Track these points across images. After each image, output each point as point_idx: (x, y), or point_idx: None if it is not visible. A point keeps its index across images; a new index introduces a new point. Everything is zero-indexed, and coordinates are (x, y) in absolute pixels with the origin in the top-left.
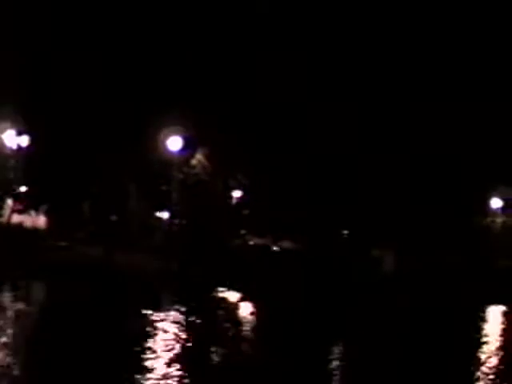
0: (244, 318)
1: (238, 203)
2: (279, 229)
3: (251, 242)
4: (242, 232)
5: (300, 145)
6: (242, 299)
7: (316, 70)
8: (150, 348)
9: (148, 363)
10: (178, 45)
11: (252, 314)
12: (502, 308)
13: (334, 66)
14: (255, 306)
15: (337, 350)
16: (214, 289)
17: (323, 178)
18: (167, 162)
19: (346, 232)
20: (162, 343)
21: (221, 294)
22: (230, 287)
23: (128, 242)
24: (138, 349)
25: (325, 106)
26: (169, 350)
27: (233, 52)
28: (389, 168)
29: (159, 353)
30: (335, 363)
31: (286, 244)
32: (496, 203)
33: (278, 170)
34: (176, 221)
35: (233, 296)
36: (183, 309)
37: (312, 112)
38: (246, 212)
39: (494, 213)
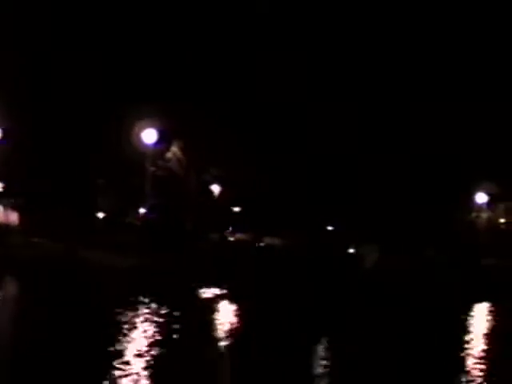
0: (218, 315)
1: (218, 198)
2: (263, 225)
3: (231, 238)
4: (229, 228)
5: (295, 143)
6: (219, 296)
7: (316, 70)
8: (121, 348)
9: (118, 364)
10: (177, 43)
11: (228, 311)
12: (487, 306)
13: (334, 65)
14: (232, 303)
15: (316, 348)
16: (189, 286)
17: (312, 176)
18: (141, 155)
19: (330, 228)
20: (134, 343)
21: (197, 291)
22: (208, 284)
23: (99, 239)
24: (109, 349)
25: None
26: (140, 350)
27: (232, 51)
28: (376, 165)
29: (131, 353)
30: (314, 361)
31: (269, 240)
32: (481, 198)
33: (268, 167)
34: (150, 215)
35: (210, 293)
36: (156, 306)
37: (311, 112)
38: (229, 208)
39: (479, 208)
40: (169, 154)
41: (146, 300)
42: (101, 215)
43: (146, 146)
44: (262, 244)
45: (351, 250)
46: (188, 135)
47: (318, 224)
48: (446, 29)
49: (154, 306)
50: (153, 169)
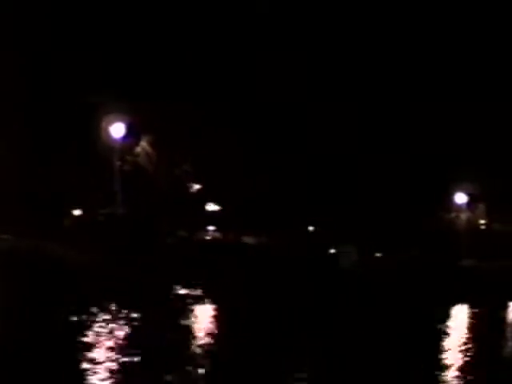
0: (195, 317)
1: (193, 195)
2: (242, 224)
3: (208, 237)
4: (206, 227)
5: (292, 143)
6: (195, 297)
7: (316, 70)
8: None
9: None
10: (176, 43)
11: (205, 313)
12: (466, 307)
13: (334, 66)
14: (210, 304)
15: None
16: (163, 286)
17: (306, 176)
18: (109, 149)
19: (311, 228)
20: (102, 347)
21: (171, 291)
22: (182, 284)
23: (67, 236)
24: (67, 355)
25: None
26: (108, 355)
27: (232, 51)
28: (367, 166)
29: (93, 360)
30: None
31: (248, 239)
32: (460, 198)
33: (263, 167)
34: (117, 212)
35: (185, 293)
36: (127, 307)
37: (310, 112)
38: (204, 206)
39: (459, 208)
40: (138, 149)
41: (116, 301)
42: (77, 212)
43: (114, 140)
44: (241, 243)
45: (332, 251)
46: (159, 130)
47: (299, 224)
48: (446, 28)
49: (123, 306)
50: (119, 163)
